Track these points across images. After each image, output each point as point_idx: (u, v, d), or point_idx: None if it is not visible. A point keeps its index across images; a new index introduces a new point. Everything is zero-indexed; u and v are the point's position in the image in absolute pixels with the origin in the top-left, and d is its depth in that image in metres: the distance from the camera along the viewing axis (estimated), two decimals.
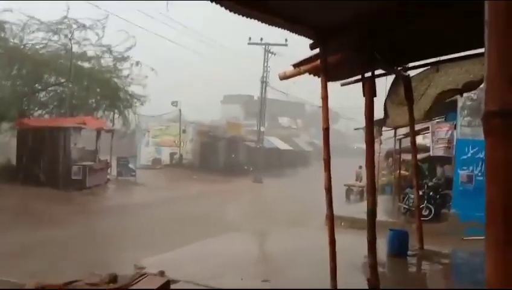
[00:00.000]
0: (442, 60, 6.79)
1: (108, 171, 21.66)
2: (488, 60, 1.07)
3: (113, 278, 4.49)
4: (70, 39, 19.55)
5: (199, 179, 27.58)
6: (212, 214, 14.84)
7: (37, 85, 20.04)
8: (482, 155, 10.34)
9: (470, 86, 7.89)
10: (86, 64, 20.68)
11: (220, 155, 35.56)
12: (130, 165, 24.07)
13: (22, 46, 18.85)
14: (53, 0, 18.00)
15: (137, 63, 21.45)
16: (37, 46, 19.51)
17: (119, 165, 23.62)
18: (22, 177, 17.52)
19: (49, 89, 20.95)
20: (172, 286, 4.87)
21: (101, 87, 20.76)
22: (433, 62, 6.93)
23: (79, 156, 19.66)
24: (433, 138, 12.73)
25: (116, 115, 22.47)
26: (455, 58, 6.56)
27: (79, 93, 20.24)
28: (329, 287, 5.02)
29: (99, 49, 20.67)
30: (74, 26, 19.25)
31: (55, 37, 19.58)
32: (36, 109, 21.08)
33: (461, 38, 5.50)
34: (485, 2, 1.08)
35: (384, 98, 8.68)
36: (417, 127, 10.97)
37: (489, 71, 1.07)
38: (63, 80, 20.27)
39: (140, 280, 4.61)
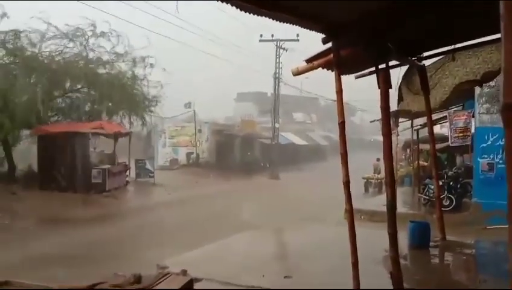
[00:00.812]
0: (458, 48, 6.68)
1: (127, 173, 21.94)
2: (504, 53, 1.06)
3: (138, 279, 4.56)
4: (85, 46, 19.82)
5: (216, 177, 27.74)
6: (232, 212, 14.92)
7: (55, 92, 20.36)
8: (502, 142, 10.13)
9: (489, 76, 7.74)
10: (102, 70, 20.91)
11: (236, 153, 35.66)
12: (148, 167, 24.35)
13: (39, 54, 19.15)
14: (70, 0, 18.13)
15: (152, 65, 21.65)
16: (54, 54, 19.80)
17: (137, 167, 23.92)
18: (43, 182, 17.90)
19: (66, 95, 21.27)
20: (194, 285, 4.92)
21: (117, 91, 20.97)
22: (448, 50, 6.82)
23: (98, 160, 19.99)
24: (451, 127, 12.54)
25: (133, 118, 22.71)
26: (470, 45, 6.45)
27: (96, 98, 20.51)
28: (351, 282, 5.00)
29: (114, 54, 20.87)
30: (90, 33, 19.51)
31: (71, 44, 19.86)
32: (54, 115, 21.42)
33: (475, 25, 5.41)
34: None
35: (398, 84, 8.58)
36: (434, 116, 10.83)
37: (506, 64, 1.06)
38: (79, 86, 20.58)
39: (163, 280, 4.67)
